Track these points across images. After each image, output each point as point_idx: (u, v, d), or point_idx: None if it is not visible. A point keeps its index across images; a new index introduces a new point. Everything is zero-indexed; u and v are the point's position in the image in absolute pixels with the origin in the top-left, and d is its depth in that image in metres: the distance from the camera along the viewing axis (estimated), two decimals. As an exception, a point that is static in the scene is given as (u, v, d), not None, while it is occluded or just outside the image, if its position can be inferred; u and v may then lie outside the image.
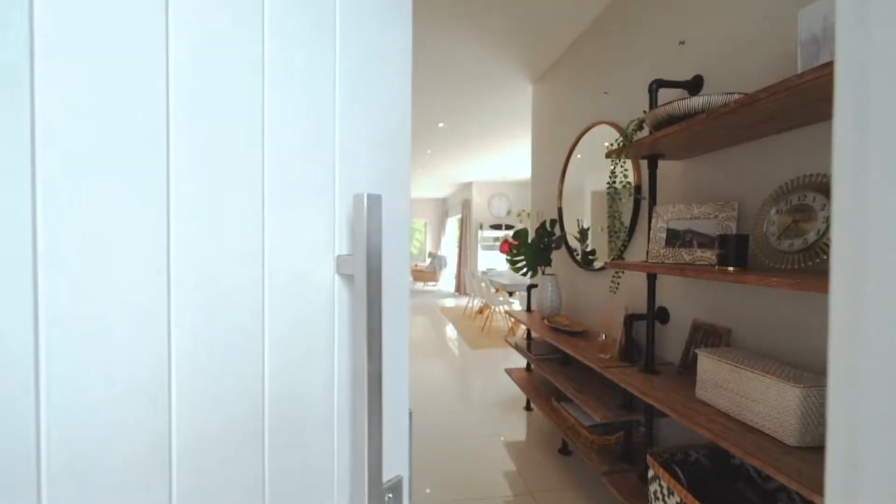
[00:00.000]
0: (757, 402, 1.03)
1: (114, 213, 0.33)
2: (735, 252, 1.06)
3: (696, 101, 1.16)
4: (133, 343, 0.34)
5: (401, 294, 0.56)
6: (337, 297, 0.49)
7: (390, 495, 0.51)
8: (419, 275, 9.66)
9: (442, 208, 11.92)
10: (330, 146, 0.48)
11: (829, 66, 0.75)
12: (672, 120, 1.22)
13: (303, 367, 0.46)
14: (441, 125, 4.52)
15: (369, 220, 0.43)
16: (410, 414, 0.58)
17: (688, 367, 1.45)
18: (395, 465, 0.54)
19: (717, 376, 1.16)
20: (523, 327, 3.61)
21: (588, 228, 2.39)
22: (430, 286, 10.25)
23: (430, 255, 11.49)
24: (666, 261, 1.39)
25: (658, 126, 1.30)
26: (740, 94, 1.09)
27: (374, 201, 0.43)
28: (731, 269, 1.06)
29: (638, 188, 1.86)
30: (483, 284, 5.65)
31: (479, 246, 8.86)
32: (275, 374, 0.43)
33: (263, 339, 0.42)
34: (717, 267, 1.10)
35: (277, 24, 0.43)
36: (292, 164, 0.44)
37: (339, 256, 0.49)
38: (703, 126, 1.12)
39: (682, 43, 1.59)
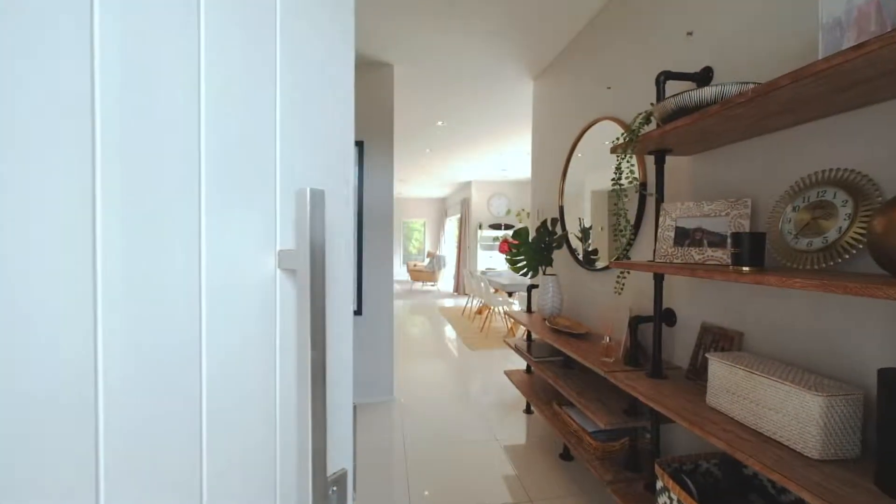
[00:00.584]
0: (774, 412, 0.97)
1: (33, 207, 0.30)
2: (750, 251, 1.00)
3: (709, 92, 1.09)
4: (55, 342, 0.32)
5: (344, 288, 0.57)
6: (279, 291, 0.49)
7: (334, 488, 0.51)
8: (418, 274, 9.59)
9: (441, 208, 11.86)
10: (271, 141, 0.48)
11: (862, 48, 0.69)
12: (682, 112, 1.16)
13: (243, 362, 0.45)
14: (440, 123, 4.46)
15: (312, 215, 0.43)
16: (355, 407, 0.60)
17: (696, 371, 1.39)
18: (339, 458, 0.55)
19: (730, 383, 1.10)
20: (523, 328, 3.54)
21: (590, 228, 2.33)
22: (428, 286, 10.19)
23: (429, 254, 11.43)
24: (674, 260, 1.33)
25: (667, 119, 1.23)
26: (755, 83, 1.03)
27: (318, 196, 0.44)
28: (746, 269, 1.00)
29: (643, 185, 1.80)
30: (482, 284, 5.59)
31: (478, 246, 8.79)
32: (213, 369, 0.42)
33: (200, 335, 0.41)
34: (731, 267, 1.03)
35: (214, 15, 0.42)
36: (231, 158, 0.44)
37: (280, 251, 0.49)
38: (716, 118, 1.06)
39: (689, 34, 1.53)
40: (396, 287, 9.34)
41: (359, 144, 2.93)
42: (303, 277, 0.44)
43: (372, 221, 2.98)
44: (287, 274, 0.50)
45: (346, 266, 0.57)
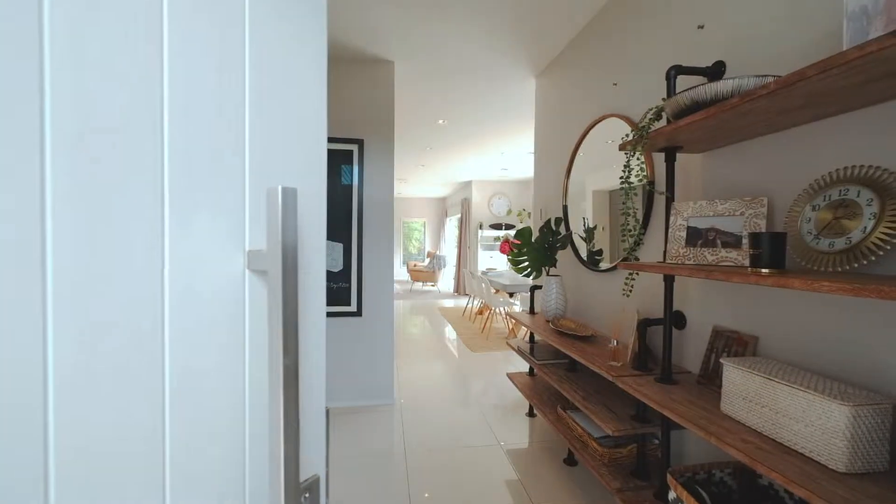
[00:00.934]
0: (796, 421, 0.92)
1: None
2: (770, 252, 0.95)
3: (725, 85, 1.04)
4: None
5: (317, 289, 0.56)
6: (248, 293, 0.48)
7: (307, 495, 0.51)
8: (418, 275, 9.54)
9: (441, 207, 11.81)
10: (240, 138, 0.47)
11: (900, 33, 0.64)
12: (697, 107, 1.11)
13: (209, 367, 0.44)
14: (441, 122, 4.41)
15: (285, 214, 0.42)
16: (327, 411, 0.58)
17: (708, 376, 1.34)
18: (312, 464, 0.55)
19: (746, 390, 1.05)
20: (524, 328, 3.47)
21: (594, 227, 2.29)
22: (428, 286, 10.13)
23: (429, 254, 11.38)
24: (686, 261, 1.28)
25: (680, 114, 1.18)
26: (775, 76, 0.98)
27: (290, 195, 0.43)
28: (765, 271, 0.95)
29: (650, 183, 1.75)
30: (483, 285, 5.54)
31: (478, 246, 8.74)
32: (177, 374, 0.41)
33: (164, 338, 0.40)
34: (750, 269, 0.98)
35: (179, 5, 0.40)
36: (197, 155, 0.42)
37: (250, 251, 0.48)
38: (733, 112, 1.01)
39: (700, 27, 1.48)
40: (396, 287, 9.30)
41: (358, 143, 2.88)
42: (274, 279, 0.43)
43: (372, 221, 2.93)
44: (257, 275, 0.48)
45: (319, 267, 0.57)
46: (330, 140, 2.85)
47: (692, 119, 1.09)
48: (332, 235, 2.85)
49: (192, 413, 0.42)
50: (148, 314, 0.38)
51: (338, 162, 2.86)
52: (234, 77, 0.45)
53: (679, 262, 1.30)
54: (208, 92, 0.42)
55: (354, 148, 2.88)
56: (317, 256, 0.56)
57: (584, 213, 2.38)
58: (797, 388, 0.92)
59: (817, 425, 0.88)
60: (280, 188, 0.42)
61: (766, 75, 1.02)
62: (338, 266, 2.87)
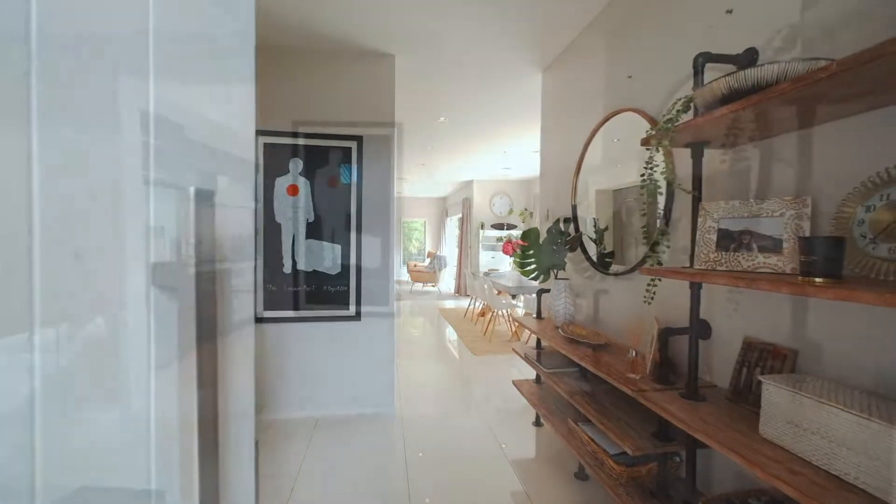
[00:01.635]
0: (855, 452, 0.81)
1: None
2: (826, 260, 0.83)
3: (770, 70, 0.93)
4: None
5: (242, 306, 0.48)
6: (154, 313, 0.40)
7: None
8: (418, 275, 9.42)
9: (441, 207, 11.69)
10: (138, 125, 0.38)
11: None
12: (734, 95, 1.00)
13: (99, 407, 0.36)
14: (442, 119, 4.29)
15: (198, 220, 0.36)
16: (257, 443, 0.51)
17: (740, 392, 1.23)
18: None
19: (792, 413, 0.93)
20: (527, 331, 3.37)
21: (606, 229, 2.17)
22: (429, 287, 10.02)
23: (430, 255, 11.27)
24: (718, 267, 1.16)
25: (712, 105, 1.07)
26: (827, 59, 0.86)
27: (205, 198, 0.37)
28: (819, 280, 0.84)
29: (668, 183, 1.63)
30: (485, 287, 5.42)
31: (480, 246, 8.62)
32: (52, 421, 0.32)
33: (33, 374, 0.31)
34: (800, 278, 0.87)
35: None
36: (81, 144, 0.33)
37: (155, 264, 0.41)
38: (780, 100, 0.90)
39: (729, 12, 1.36)
40: (396, 288, 9.18)
41: (357, 139, 2.76)
42: (186, 296, 0.37)
43: (371, 221, 2.81)
44: (165, 292, 0.41)
45: (245, 280, 0.49)
46: (327, 137, 2.73)
47: (732, 108, 0.97)
48: (330, 236, 2.74)
49: (73, 466, 0.34)
50: (6, 348, 0.29)
51: (335, 160, 2.74)
52: (134, 49, 0.36)
53: (710, 267, 1.18)
54: (103, 68, 0.33)
55: (353, 145, 2.76)
56: (242, 268, 0.48)
57: (587, 213, 2.28)
58: (857, 415, 0.80)
59: (884, 459, 0.76)
60: (192, 190, 0.36)
61: (816, 58, 0.90)
62: (335, 268, 2.75)
